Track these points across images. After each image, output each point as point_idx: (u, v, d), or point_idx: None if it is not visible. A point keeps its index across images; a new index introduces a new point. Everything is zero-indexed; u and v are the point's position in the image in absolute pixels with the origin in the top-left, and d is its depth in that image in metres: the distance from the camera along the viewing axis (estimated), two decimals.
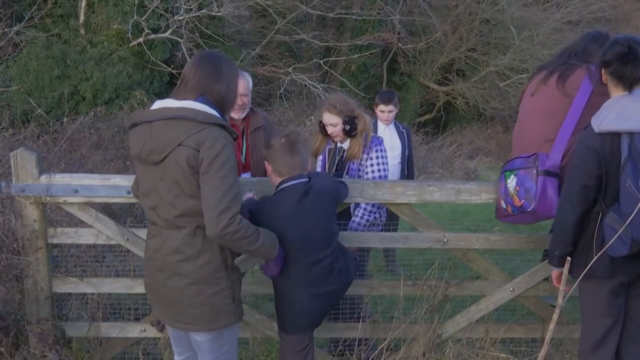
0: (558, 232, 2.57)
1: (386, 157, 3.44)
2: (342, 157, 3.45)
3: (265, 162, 2.70)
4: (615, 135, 2.34)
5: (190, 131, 2.16)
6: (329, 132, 3.41)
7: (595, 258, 2.32)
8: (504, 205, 2.82)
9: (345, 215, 3.32)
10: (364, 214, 3.29)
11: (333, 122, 3.35)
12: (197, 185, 2.20)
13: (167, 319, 2.44)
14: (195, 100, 2.23)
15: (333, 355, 3.28)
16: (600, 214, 2.42)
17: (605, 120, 2.37)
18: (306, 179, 2.60)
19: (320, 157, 3.63)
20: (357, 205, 3.37)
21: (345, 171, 3.42)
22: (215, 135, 2.17)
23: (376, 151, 3.37)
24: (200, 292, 2.28)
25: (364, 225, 3.28)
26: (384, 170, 3.38)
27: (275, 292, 2.70)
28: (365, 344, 3.18)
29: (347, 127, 3.31)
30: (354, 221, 3.30)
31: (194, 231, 2.26)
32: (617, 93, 2.45)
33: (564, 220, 2.52)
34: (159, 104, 2.27)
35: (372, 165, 3.35)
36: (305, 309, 2.62)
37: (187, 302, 2.29)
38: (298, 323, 2.67)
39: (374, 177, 3.32)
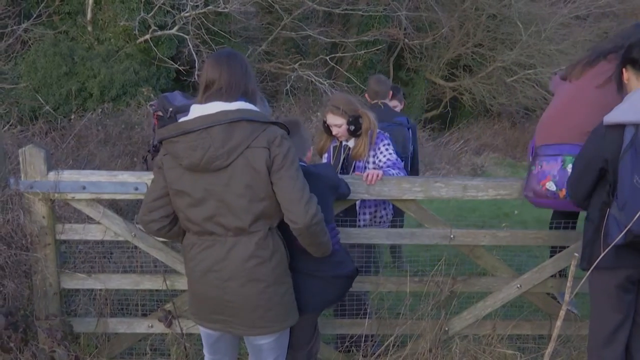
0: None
1: (393, 148, 3.43)
2: (348, 154, 3.44)
3: None
4: (621, 127, 2.34)
5: (255, 132, 2.16)
6: (333, 132, 3.39)
7: (606, 250, 2.31)
8: (553, 188, 2.75)
9: (351, 212, 3.32)
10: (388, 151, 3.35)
11: (337, 122, 3.34)
12: (270, 186, 2.19)
13: (239, 328, 2.33)
14: (238, 101, 2.21)
15: (339, 352, 3.28)
16: (609, 205, 2.42)
17: (614, 112, 2.38)
18: (303, 162, 2.57)
19: (325, 156, 3.63)
20: (363, 202, 3.37)
21: (352, 169, 3.41)
22: (280, 133, 2.20)
23: (383, 145, 3.37)
24: (276, 294, 2.29)
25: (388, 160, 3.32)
26: (395, 154, 3.38)
27: None
28: (371, 340, 3.19)
29: (352, 127, 3.29)
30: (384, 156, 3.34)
31: (266, 234, 2.25)
32: (638, 86, 2.43)
33: (571, 198, 2.63)
34: (208, 109, 2.18)
35: (382, 154, 3.35)
36: (298, 289, 2.53)
37: (265, 306, 2.28)
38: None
39: (388, 160, 3.30)
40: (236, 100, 2.21)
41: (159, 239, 3.01)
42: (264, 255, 2.25)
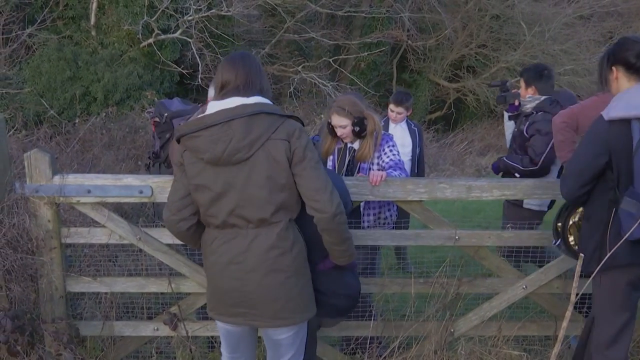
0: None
1: (398, 149, 3.44)
2: (353, 156, 3.44)
3: None
4: (625, 122, 2.37)
5: (274, 124, 2.21)
6: (338, 134, 3.39)
7: (615, 247, 2.30)
8: None
9: (355, 213, 3.31)
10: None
11: (342, 124, 3.34)
12: (290, 177, 2.24)
13: (260, 321, 2.34)
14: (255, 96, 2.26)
15: (345, 354, 3.28)
16: (617, 204, 2.41)
17: (615, 108, 2.41)
18: None
19: (330, 158, 3.62)
20: (367, 203, 3.37)
21: (357, 171, 3.41)
22: (298, 126, 2.26)
23: (388, 146, 3.37)
24: (296, 285, 2.31)
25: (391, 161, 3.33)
26: (399, 155, 3.38)
27: None
28: (377, 342, 3.18)
29: (357, 129, 3.29)
30: (387, 156, 3.35)
31: (287, 225, 2.29)
32: (628, 86, 2.47)
33: (565, 196, 2.63)
34: (227, 103, 2.21)
35: (386, 154, 3.36)
36: None
37: (286, 296, 2.30)
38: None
39: (391, 160, 3.31)
40: (253, 95, 2.25)
41: (163, 242, 3.02)
42: (285, 246, 2.28)
